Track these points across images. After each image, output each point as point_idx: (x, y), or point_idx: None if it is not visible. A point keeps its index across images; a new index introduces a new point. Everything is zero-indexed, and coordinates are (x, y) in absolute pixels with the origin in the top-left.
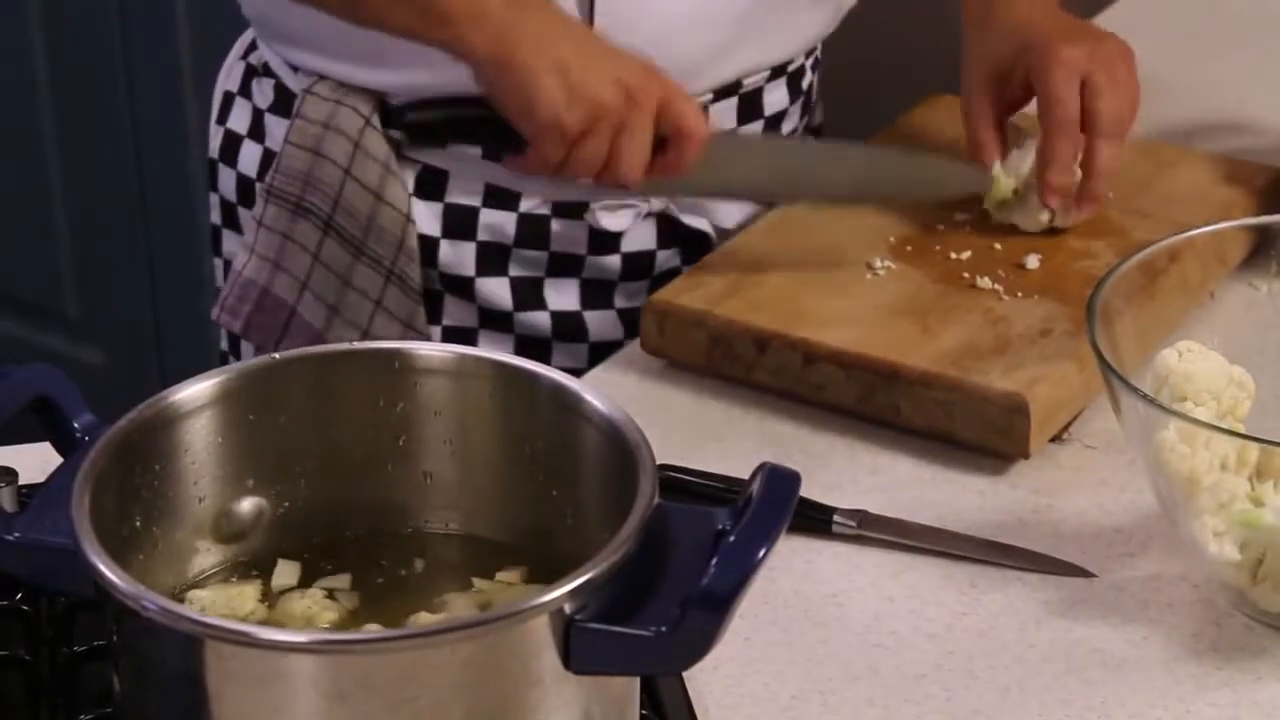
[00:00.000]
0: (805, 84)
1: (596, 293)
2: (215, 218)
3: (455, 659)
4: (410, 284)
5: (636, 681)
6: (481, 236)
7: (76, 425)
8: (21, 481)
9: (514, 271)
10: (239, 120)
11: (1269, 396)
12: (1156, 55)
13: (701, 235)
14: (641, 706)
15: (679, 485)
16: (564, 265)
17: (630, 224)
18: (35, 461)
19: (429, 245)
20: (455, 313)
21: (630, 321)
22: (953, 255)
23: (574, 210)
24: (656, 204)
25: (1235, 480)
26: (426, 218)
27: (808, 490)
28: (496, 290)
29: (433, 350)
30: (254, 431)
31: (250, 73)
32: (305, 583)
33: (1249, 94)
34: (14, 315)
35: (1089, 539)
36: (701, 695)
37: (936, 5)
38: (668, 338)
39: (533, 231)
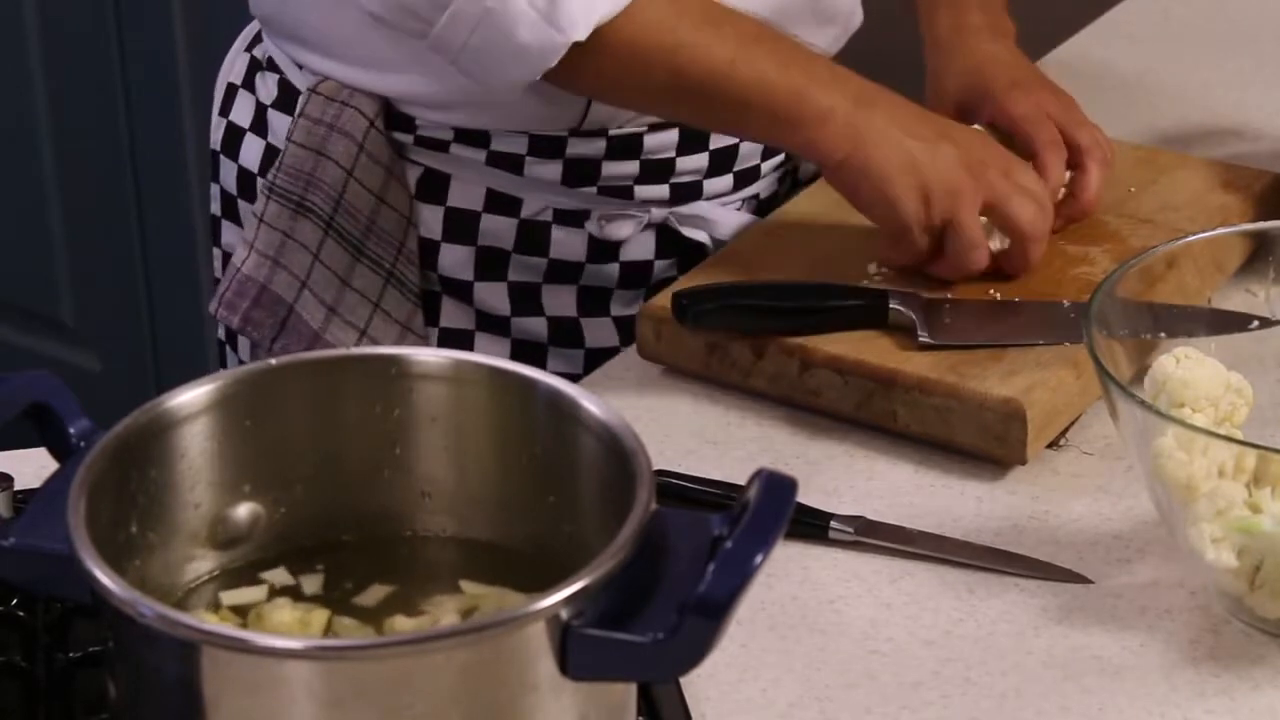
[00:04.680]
0: None
1: (593, 300)
2: (215, 209)
3: (452, 665)
4: (409, 286)
5: (634, 688)
6: (482, 241)
7: (72, 431)
8: (17, 487)
9: (512, 277)
10: (241, 113)
11: (1266, 403)
12: (1154, 60)
13: (699, 246)
14: (639, 712)
15: (676, 491)
16: (562, 272)
17: (631, 234)
18: (31, 467)
19: (430, 248)
20: (452, 315)
21: (626, 329)
22: None
23: (575, 218)
24: (657, 215)
25: (1233, 487)
26: (428, 221)
27: (805, 496)
28: (494, 295)
29: (429, 356)
30: (250, 437)
31: (254, 66)
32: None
33: (1246, 99)
34: (10, 322)
35: (1086, 545)
36: (698, 701)
37: None
38: (664, 343)
39: (533, 238)
